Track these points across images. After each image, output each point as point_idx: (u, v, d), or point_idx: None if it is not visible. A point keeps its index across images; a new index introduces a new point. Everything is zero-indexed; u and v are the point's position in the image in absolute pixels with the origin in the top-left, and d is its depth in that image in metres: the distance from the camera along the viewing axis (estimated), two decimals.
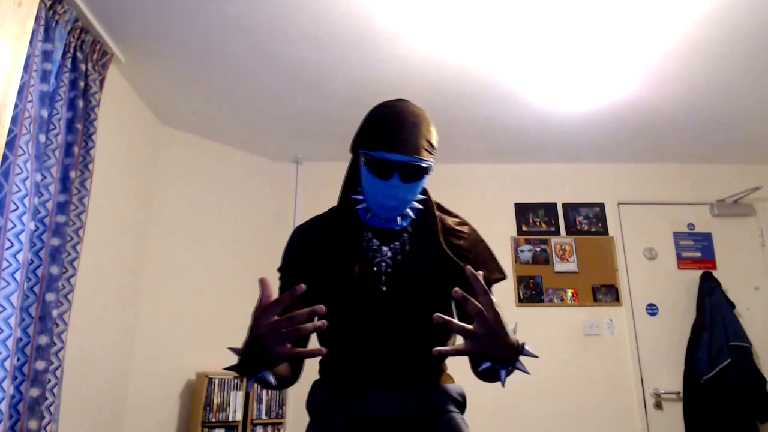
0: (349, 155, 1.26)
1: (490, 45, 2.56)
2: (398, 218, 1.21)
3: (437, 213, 1.27)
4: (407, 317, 1.18)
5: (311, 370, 1.29)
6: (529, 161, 3.91)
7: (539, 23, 2.40)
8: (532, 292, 3.66)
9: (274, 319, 0.89)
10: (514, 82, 2.88)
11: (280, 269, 1.29)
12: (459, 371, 1.35)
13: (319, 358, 1.31)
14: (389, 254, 1.21)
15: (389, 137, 1.12)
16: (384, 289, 1.18)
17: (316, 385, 1.29)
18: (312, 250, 1.24)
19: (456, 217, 1.32)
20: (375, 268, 1.20)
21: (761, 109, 3.14)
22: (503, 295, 3.59)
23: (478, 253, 1.26)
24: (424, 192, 1.27)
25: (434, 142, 1.18)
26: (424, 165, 1.14)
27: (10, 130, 1.82)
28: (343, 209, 1.26)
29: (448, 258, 1.21)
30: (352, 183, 1.25)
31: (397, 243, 1.22)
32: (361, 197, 1.23)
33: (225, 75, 2.85)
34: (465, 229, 1.29)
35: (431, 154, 1.16)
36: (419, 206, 1.24)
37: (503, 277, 1.27)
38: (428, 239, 1.24)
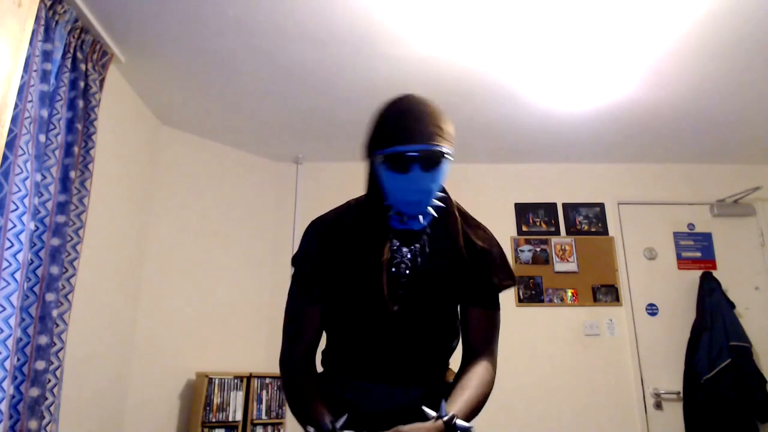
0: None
1: (491, 45, 2.56)
2: (420, 218, 1.20)
3: (457, 214, 1.26)
4: (420, 319, 1.20)
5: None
6: (529, 161, 3.91)
7: (539, 23, 2.40)
8: (532, 292, 3.66)
9: None
10: (514, 82, 2.88)
11: (295, 260, 1.27)
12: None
13: (322, 349, 1.31)
14: (409, 256, 1.21)
15: (399, 130, 1.10)
16: (400, 292, 1.19)
17: (320, 378, 1.31)
18: (331, 244, 1.23)
19: (473, 219, 1.31)
20: (393, 269, 1.19)
21: (761, 109, 3.14)
22: (504, 295, 3.58)
23: (492, 258, 1.25)
24: (444, 190, 1.25)
25: (447, 128, 1.15)
26: (439, 150, 1.11)
27: (10, 130, 1.82)
28: (373, 208, 1.22)
29: (465, 261, 1.21)
30: (373, 189, 1.21)
31: (417, 245, 1.21)
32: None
33: (225, 75, 2.85)
34: (482, 233, 1.28)
35: (445, 139, 1.13)
36: (441, 204, 1.22)
37: (513, 284, 1.27)
38: (447, 241, 1.23)
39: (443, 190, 1.25)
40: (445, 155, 1.12)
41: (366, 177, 1.23)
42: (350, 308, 1.21)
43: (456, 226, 1.24)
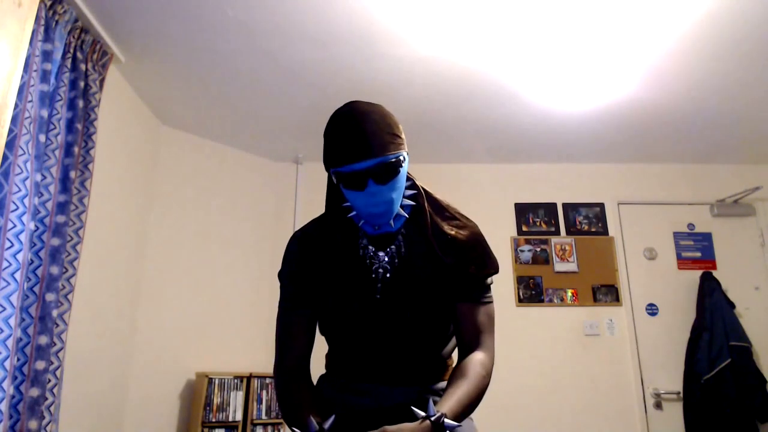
0: None
1: (490, 45, 2.56)
2: (391, 222, 1.19)
3: (428, 210, 1.23)
4: (406, 320, 1.19)
5: (319, 364, 1.32)
6: (529, 161, 3.91)
7: (539, 23, 2.40)
8: (532, 292, 3.66)
9: None
10: (514, 82, 2.88)
11: (280, 275, 1.29)
12: None
13: (325, 353, 1.32)
14: (386, 259, 1.20)
15: (348, 148, 1.08)
16: (378, 296, 1.18)
17: (321, 379, 1.33)
18: (311, 256, 1.24)
19: (450, 210, 1.27)
20: (373, 275, 1.19)
21: (761, 109, 3.14)
22: (504, 295, 3.60)
23: (467, 248, 1.22)
24: (415, 186, 1.24)
25: (396, 131, 1.13)
26: (392, 159, 1.10)
27: (10, 130, 1.82)
28: (334, 218, 1.24)
29: (439, 256, 1.20)
30: (336, 196, 1.23)
31: (393, 247, 1.21)
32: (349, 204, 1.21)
33: (225, 75, 2.85)
34: (456, 223, 1.25)
35: (396, 144, 1.12)
36: (411, 202, 1.21)
37: (493, 272, 1.23)
38: (422, 239, 1.22)
39: (413, 186, 1.23)
40: (399, 160, 1.11)
41: (327, 186, 1.25)
42: (338, 314, 1.22)
43: (427, 224, 1.21)
